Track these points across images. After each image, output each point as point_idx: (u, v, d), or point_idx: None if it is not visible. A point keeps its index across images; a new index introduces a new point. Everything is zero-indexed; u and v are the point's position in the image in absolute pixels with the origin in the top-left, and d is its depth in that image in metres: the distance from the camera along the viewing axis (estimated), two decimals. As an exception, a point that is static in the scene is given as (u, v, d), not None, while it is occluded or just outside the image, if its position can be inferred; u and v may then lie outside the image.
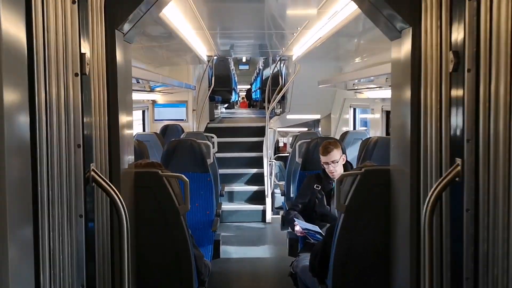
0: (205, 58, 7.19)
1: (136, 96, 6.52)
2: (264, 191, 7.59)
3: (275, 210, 7.74)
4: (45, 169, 1.42)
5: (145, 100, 7.26)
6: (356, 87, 6.15)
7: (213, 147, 5.99)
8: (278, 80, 10.97)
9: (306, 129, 11.04)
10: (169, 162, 4.40)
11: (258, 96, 14.64)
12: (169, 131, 7.38)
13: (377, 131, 5.75)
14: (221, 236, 4.52)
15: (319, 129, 9.55)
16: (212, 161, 5.11)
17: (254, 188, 7.80)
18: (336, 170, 3.91)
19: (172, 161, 4.42)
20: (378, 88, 5.12)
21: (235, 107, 18.77)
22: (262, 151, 8.20)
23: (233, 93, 13.37)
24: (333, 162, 3.90)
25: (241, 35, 6.19)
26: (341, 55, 6.48)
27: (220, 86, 12.10)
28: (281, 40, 6.61)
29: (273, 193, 7.71)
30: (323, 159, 3.95)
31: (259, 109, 16.40)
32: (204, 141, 5.01)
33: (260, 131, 8.69)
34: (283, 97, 8.97)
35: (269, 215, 7.38)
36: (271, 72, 10.36)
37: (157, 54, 6.09)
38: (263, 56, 12.16)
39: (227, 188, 7.61)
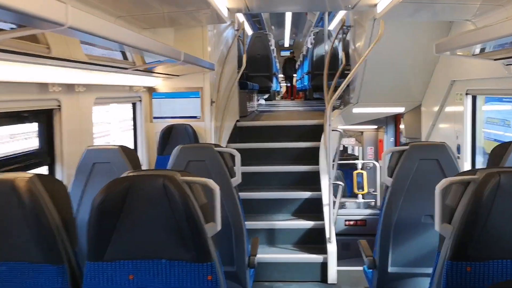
0: (226, 14, 4.41)
1: (120, 79, 3.83)
2: (323, 229, 4.77)
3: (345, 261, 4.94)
4: None
5: (136, 87, 4.56)
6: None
7: (234, 175, 3.27)
8: (336, 60, 8.06)
9: (375, 126, 8.12)
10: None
11: (305, 83, 11.81)
12: (174, 133, 4.70)
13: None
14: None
15: (402, 127, 6.63)
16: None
17: (308, 224, 4.97)
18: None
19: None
20: None
21: (276, 98, 15.88)
22: (318, 164, 5.36)
23: (274, 80, 10.57)
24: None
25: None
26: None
27: (256, 71, 9.30)
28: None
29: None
30: None
31: (306, 100, 13.48)
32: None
33: (314, 133, 5.84)
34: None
35: (333, 271, 4.54)
36: (329, 45, 7.47)
37: (152, 8, 3.45)
38: (319, 11, 9.18)
39: (262, 224, 4.86)
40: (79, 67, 2.96)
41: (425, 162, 3.07)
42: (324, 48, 8.66)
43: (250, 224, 4.48)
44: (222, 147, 3.54)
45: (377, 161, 7.81)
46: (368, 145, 8.09)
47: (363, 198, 7.47)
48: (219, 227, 1.90)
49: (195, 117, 4.95)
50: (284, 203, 5.19)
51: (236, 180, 3.34)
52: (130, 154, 2.97)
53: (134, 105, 4.83)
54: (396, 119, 7.50)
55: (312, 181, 5.33)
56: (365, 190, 7.68)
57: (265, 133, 6.09)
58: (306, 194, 5.18)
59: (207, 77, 4.93)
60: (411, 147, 3.15)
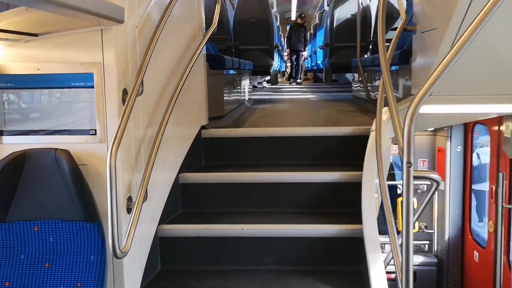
0: None
1: None
2: None
3: None
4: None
5: None
6: None
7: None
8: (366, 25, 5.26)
9: (431, 128, 5.28)
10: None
11: (318, 61, 8.99)
12: (27, 174, 1.90)
13: None
14: None
15: (507, 133, 3.84)
16: None
17: None
18: None
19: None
20: None
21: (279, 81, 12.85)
22: (359, 222, 2.56)
23: (276, 56, 7.71)
24: None
25: None
26: None
27: (250, 42, 6.43)
28: None
29: None
30: None
31: (319, 84, 10.58)
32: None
33: (345, 149, 3.10)
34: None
35: None
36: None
37: None
38: None
39: None
40: None
41: None
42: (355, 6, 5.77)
43: None
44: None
45: (434, 181, 5.02)
46: (419, 156, 5.26)
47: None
48: None
49: (82, 132, 2.15)
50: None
51: None
52: None
53: None
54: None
55: (350, 259, 2.57)
56: (415, 228, 5.11)
57: (254, 150, 3.28)
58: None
59: (112, 39, 2.11)
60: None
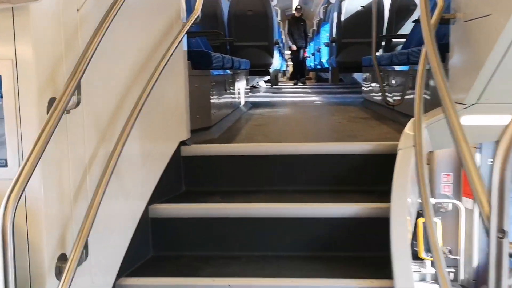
0: None
1: None
2: None
3: None
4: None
5: None
6: None
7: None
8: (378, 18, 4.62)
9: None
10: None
11: (324, 59, 8.27)
12: None
13: None
14: None
15: None
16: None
17: None
18: None
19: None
20: None
21: (280, 81, 12.02)
22: (389, 271, 1.85)
23: (277, 54, 6.99)
24: None
25: None
26: None
27: (246, 38, 5.73)
28: None
29: None
30: None
31: (323, 84, 9.86)
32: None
33: (362, 171, 2.38)
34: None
35: None
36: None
37: None
38: None
39: None
40: None
41: None
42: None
43: None
44: None
45: (459, 199, 4.34)
46: (442, 169, 4.53)
47: (433, 265, 3.95)
48: None
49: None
50: None
51: None
52: None
53: None
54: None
55: None
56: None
57: (248, 173, 2.57)
58: None
59: (29, 24, 1.40)
60: None
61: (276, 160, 2.56)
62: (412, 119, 2.62)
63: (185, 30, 2.39)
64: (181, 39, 2.35)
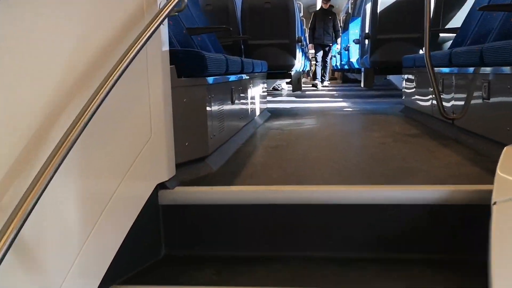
0: None
1: None
2: None
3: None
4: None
5: None
6: None
7: None
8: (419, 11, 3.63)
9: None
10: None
11: (353, 59, 7.30)
12: None
13: None
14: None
15: None
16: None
17: None
18: None
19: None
20: None
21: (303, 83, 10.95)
22: None
23: (300, 53, 6.10)
24: None
25: None
26: None
27: (262, 36, 4.89)
28: None
29: None
30: None
31: (353, 87, 8.94)
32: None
33: (436, 231, 1.49)
34: None
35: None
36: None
37: None
38: None
39: None
40: None
41: None
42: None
43: None
44: None
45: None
46: None
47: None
48: None
49: None
50: None
51: None
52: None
53: None
54: None
55: None
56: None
57: (258, 231, 1.73)
58: None
59: None
60: None
61: (298, 212, 1.71)
62: (507, 147, 1.74)
63: (160, 19, 1.56)
64: (153, 31, 1.52)
